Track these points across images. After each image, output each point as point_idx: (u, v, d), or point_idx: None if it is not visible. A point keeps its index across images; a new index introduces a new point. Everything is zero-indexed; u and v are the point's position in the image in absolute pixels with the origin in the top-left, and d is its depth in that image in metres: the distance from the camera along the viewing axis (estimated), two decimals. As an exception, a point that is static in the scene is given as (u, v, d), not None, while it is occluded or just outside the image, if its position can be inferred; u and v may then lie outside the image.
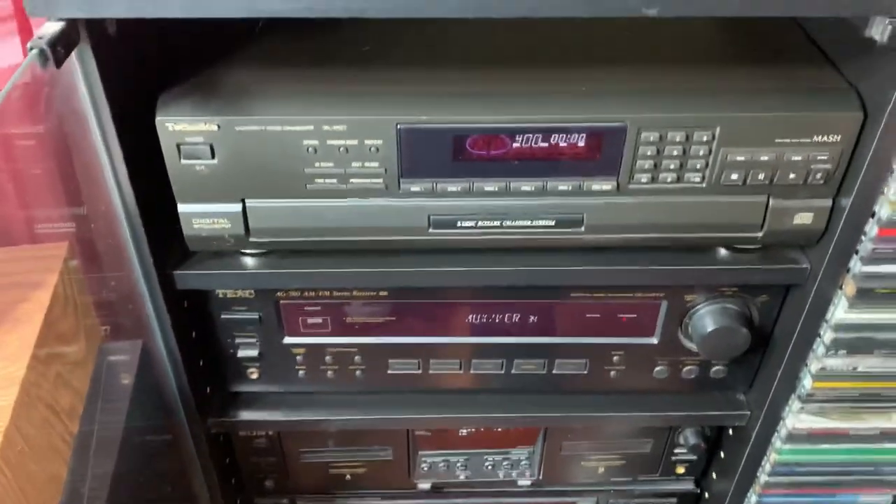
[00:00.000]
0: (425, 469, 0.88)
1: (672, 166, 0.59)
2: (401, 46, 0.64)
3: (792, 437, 0.76)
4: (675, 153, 0.59)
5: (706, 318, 0.70)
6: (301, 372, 0.76)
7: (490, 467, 0.88)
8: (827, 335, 0.67)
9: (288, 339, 0.73)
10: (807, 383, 0.71)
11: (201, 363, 0.75)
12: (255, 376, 0.76)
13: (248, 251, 0.65)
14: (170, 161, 0.58)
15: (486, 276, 0.66)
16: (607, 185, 0.60)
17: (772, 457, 0.78)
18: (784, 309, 0.71)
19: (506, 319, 0.73)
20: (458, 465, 0.88)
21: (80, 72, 0.51)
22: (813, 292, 0.66)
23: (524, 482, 0.89)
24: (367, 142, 0.57)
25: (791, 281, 0.67)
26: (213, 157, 0.57)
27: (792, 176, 0.60)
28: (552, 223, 0.62)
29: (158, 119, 0.56)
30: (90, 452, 0.65)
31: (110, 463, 0.66)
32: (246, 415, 0.78)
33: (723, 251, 0.67)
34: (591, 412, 0.78)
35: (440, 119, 0.57)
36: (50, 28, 0.47)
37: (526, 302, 0.72)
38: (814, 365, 0.70)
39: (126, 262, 0.63)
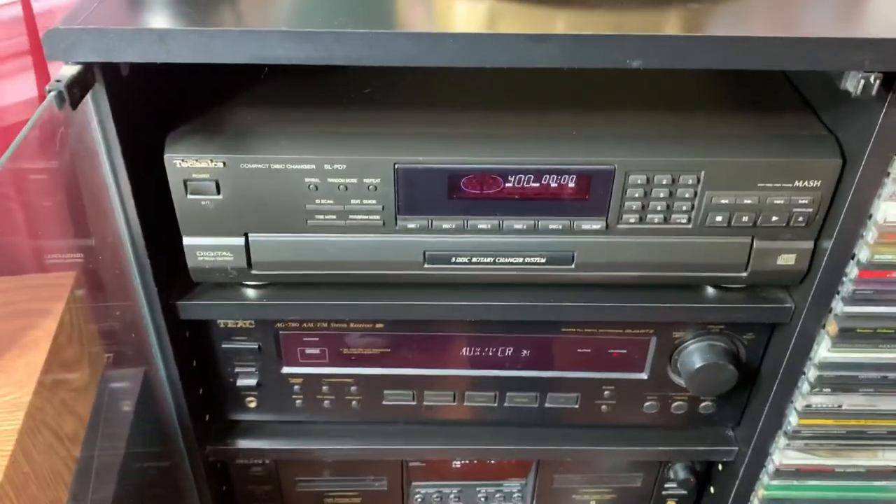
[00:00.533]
0: (419, 500, 0.89)
1: (659, 207, 0.62)
2: (400, 89, 0.67)
3: (779, 474, 0.77)
4: (661, 195, 0.61)
5: (694, 354, 0.72)
6: (298, 401, 0.77)
7: (483, 499, 0.89)
8: (811, 373, 0.69)
9: (286, 369, 0.75)
10: (793, 420, 0.73)
11: (201, 391, 0.77)
12: (253, 405, 0.78)
13: (249, 283, 0.68)
14: (177, 196, 0.60)
15: (480, 311, 0.68)
16: (596, 225, 0.63)
17: (760, 492, 0.80)
18: (770, 346, 0.73)
19: (499, 353, 0.75)
20: (452, 496, 0.89)
21: (94, 111, 0.54)
22: (797, 331, 0.68)
23: (516, 514, 0.90)
24: (366, 180, 0.59)
25: (776, 319, 0.69)
26: (218, 192, 0.60)
27: (775, 218, 0.62)
28: (543, 260, 0.64)
29: (167, 156, 0.58)
30: (91, 477, 0.66)
31: (110, 488, 0.67)
32: (243, 443, 0.79)
33: (710, 289, 0.69)
34: (583, 445, 0.80)
35: (436, 159, 0.59)
36: (67, 71, 0.49)
37: (519, 336, 0.74)
38: (799, 402, 0.72)
39: (131, 292, 0.66)
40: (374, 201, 0.61)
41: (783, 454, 0.75)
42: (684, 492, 0.88)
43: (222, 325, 0.71)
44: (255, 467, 0.84)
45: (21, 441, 0.55)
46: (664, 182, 0.60)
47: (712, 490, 0.87)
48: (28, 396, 0.58)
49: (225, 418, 0.79)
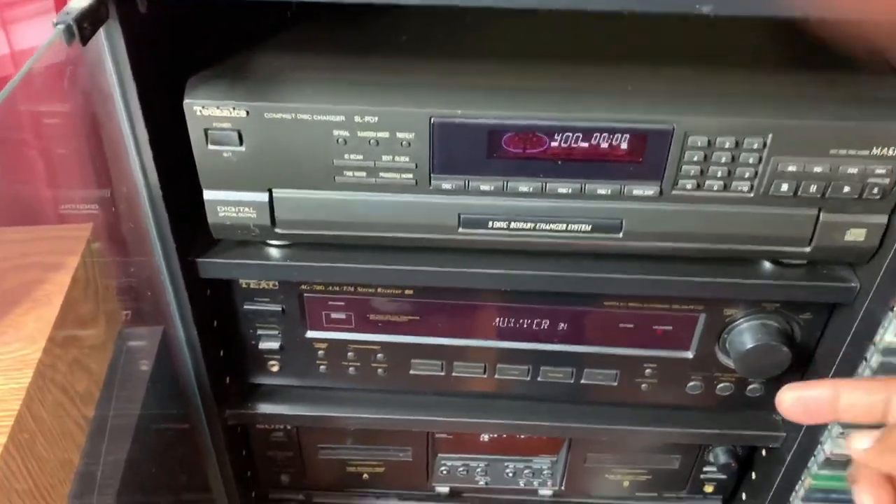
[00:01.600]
0: (444, 472, 0.86)
1: (719, 174, 0.56)
2: (438, 37, 0.61)
3: (829, 463, 0.72)
4: (723, 160, 0.56)
5: (746, 333, 0.67)
6: (322, 367, 0.74)
7: (511, 475, 0.85)
8: (874, 359, 0.64)
9: (310, 333, 0.71)
10: (849, 408, 0.68)
11: (221, 353, 0.73)
12: (275, 369, 0.74)
13: (273, 242, 0.64)
14: (197, 146, 0.56)
15: (516, 280, 0.64)
16: (649, 191, 0.58)
17: (807, 482, 0.75)
18: (828, 328, 0.67)
19: (534, 325, 0.70)
20: (478, 470, 0.85)
21: (108, 50, 0.50)
22: (861, 313, 0.62)
23: (545, 492, 0.86)
24: (399, 135, 0.55)
25: (838, 300, 0.64)
26: (241, 143, 0.56)
27: (846, 189, 0.56)
28: (588, 228, 0.59)
29: (186, 102, 0.54)
30: (104, 437, 0.63)
31: (124, 449, 0.64)
32: (264, 407, 0.76)
33: (767, 265, 0.64)
34: (619, 425, 0.76)
35: (476, 114, 0.54)
36: (77, 4, 0.45)
37: (556, 308, 0.69)
38: (858, 389, 0.66)
39: (148, 246, 0.62)
40: (406, 158, 0.56)
41: (836, 443, 0.70)
42: (724, 477, 0.84)
43: (244, 286, 0.68)
44: (276, 433, 0.82)
45: (28, 400, 0.52)
46: (727, 145, 0.55)
47: (753, 476, 0.83)
48: (38, 353, 0.55)
49: (246, 382, 0.76)
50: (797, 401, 0.41)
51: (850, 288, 0.62)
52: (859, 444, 0.39)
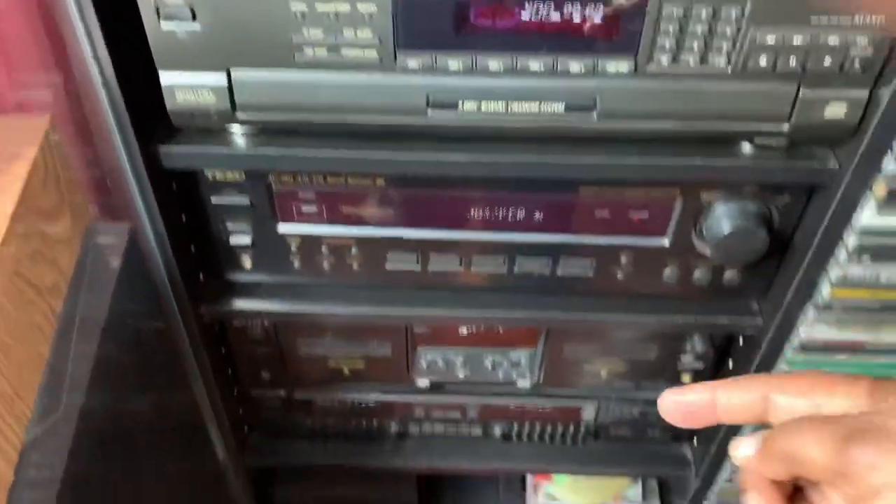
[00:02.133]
0: (424, 366, 0.86)
1: (696, 46, 0.54)
2: None
3: (805, 348, 0.73)
4: (699, 31, 0.53)
5: (723, 218, 0.66)
6: (296, 262, 0.73)
7: (490, 367, 0.86)
8: (851, 240, 0.63)
9: (282, 228, 0.70)
10: (825, 292, 0.68)
11: (192, 249, 0.72)
12: (248, 265, 0.74)
13: (236, 129, 0.62)
14: (149, 24, 0.53)
15: (490, 167, 0.62)
16: (624, 67, 0.55)
17: (782, 367, 0.76)
18: (807, 212, 0.66)
19: (510, 215, 0.69)
20: (458, 363, 0.86)
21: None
22: (839, 194, 0.61)
23: (524, 384, 0.87)
24: (360, 7, 0.52)
25: (817, 181, 0.63)
26: (194, 19, 0.53)
27: (827, 62, 0.54)
28: (562, 107, 0.57)
29: (133, -26, 0.51)
30: (73, 334, 0.63)
31: (93, 346, 0.64)
32: (240, 304, 0.76)
33: (746, 146, 0.62)
34: (596, 314, 0.75)
35: (441, -17, 0.52)
36: None
37: (532, 196, 0.68)
38: (834, 272, 0.66)
39: (107, 134, 0.60)
40: (369, 32, 0.53)
41: (812, 328, 0.71)
42: (700, 366, 0.84)
43: (210, 178, 0.66)
44: (254, 330, 0.81)
45: (-11, 289, 0.51)
46: (703, 15, 0.52)
47: (731, 364, 0.83)
48: (-3, 244, 0.53)
49: (220, 278, 0.75)
50: (675, 406, 0.39)
51: (829, 169, 0.61)
52: (742, 451, 0.38)
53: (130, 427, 0.74)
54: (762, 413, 0.37)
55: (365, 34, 0.53)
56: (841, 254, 0.65)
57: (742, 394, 0.38)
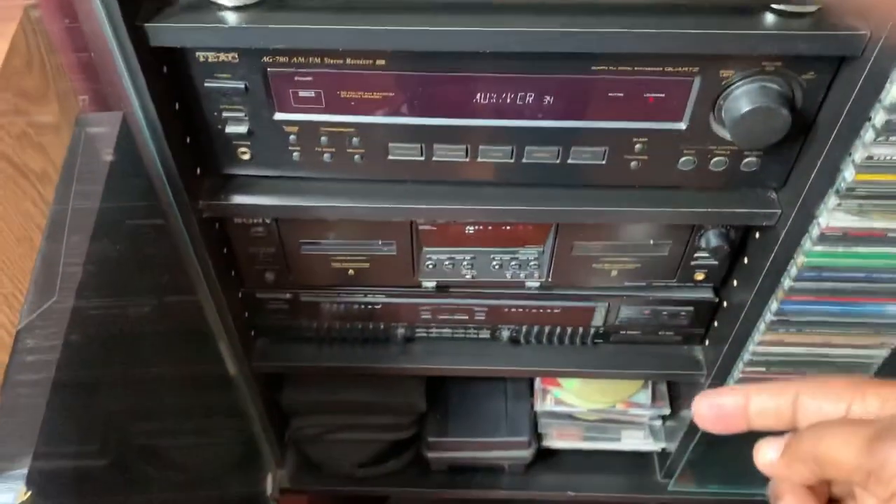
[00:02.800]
0: (430, 266, 0.84)
1: None
2: None
3: (824, 238, 0.70)
4: None
5: (743, 98, 0.62)
6: (295, 154, 0.70)
7: (497, 267, 0.84)
8: (878, 117, 0.60)
9: (279, 115, 0.67)
10: (848, 175, 0.64)
11: (188, 140, 0.70)
12: (246, 157, 0.71)
13: (227, 3, 0.58)
14: None
15: (498, 39, 0.59)
16: (640, -79, 0.51)
17: (799, 260, 0.73)
18: (832, 90, 0.63)
19: (518, 99, 0.66)
20: (464, 263, 0.84)
21: None
22: (868, 66, 0.58)
23: (532, 283, 0.85)
24: None
25: (846, 52, 0.59)
26: None
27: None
28: (573, -32, 0.53)
29: None
30: (65, 225, 0.61)
31: (86, 240, 0.62)
32: (239, 198, 0.73)
33: (770, 16, 0.58)
34: (608, 206, 0.73)
35: None
36: None
37: (542, 77, 0.64)
38: (859, 154, 0.63)
39: (91, 13, 0.57)
40: None
41: (832, 215, 0.68)
42: (715, 262, 0.82)
43: (202, 59, 0.63)
44: (256, 227, 0.79)
45: (-30, 167, 0.49)
46: None
47: (746, 261, 0.81)
48: (-25, 120, 0.51)
49: (218, 172, 0.73)
50: (710, 409, 0.39)
51: (860, 36, 0.57)
52: (765, 456, 0.37)
53: (131, 326, 0.73)
54: (792, 420, 0.37)
55: None
56: (867, 133, 0.61)
57: (773, 398, 0.37)
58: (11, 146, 0.55)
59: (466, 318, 0.91)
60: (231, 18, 0.59)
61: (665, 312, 0.88)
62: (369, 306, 0.90)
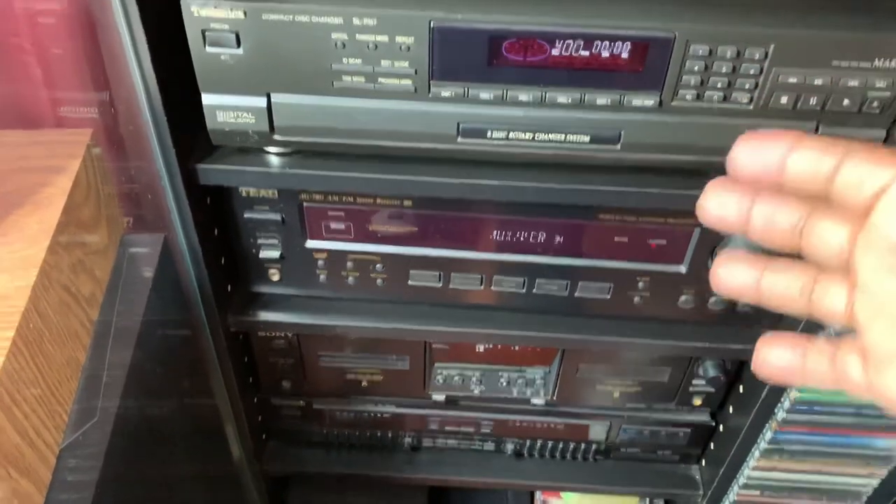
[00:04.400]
0: (440, 381, 0.88)
1: (720, 84, 0.56)
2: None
3: (815, 376, 0.74)
4: (723, 70, 0.55)
5: (740, 247, 0.67)
6: (322, 276, 0.75)
7: (505, 384, 0.88)
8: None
9: (310, 243, 0.72)
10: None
11: (223, 261, 0.75)
12: (276, 278, 0.76)
13: (272, 149, 0.64)
14: (194, 48, 0.56)
15: (514, 192, 0.64)
16: (649, 101, 0.57)
17: (792, 394, 0.77)
18: (821, 244, 0.68)
19: (531, 237, 0.71)
20: (473, 379, 0.88)
21: (103, -55, 0.49)
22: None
23: (538, 401, 0.89)
24: (399, 39, 0.54)
25: (832, 215, 0.64)
26: (238, 45, 0.55)
27: (846, 102, 0.56)
28: (587, 138, 0.60)
29: (184, 1, 0.53)
30: (109, 342, 0.65)
31: (128, 352, 0.66)
32: (265, 315, 0.78)
33: (763, 180, 0.64)
34: (611, 337, 0.77)
35: (476, 18, 0.54)
36: None
37: (553, 221, 0.70)
38: (846, 304, 0.68)
39: (148, 152, 0.62)
40: (406, 63, 0.56)
41: (822, 357, 0.72)
42: (712, 390, 0.86)
43: (244, 194, 0.68)
44: (278, 340, 0.83)
45: (34, 298, 0.53)
46: (728, 55, 0.54)
47: (741, 389, 0.85)
48: (42, 253, 0.56)
49: (248, 290, 0.78)
50: (751, 153, 0.34)
51: (845, 203, 0.63)
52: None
53: (158, 431, 0.76)
54: (825, 183, 0.32)
55: (402, 64, 0.56)
56: (854, 286, 0.66)
57: (819, 154, 0.32)
58: (67, 275, 0.59)
59: (473, 430, 0.94)
60: (275, 162, 0.64)
61: (663, 433, 0.92)
62: (379, 415, 0.93)
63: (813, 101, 0.56)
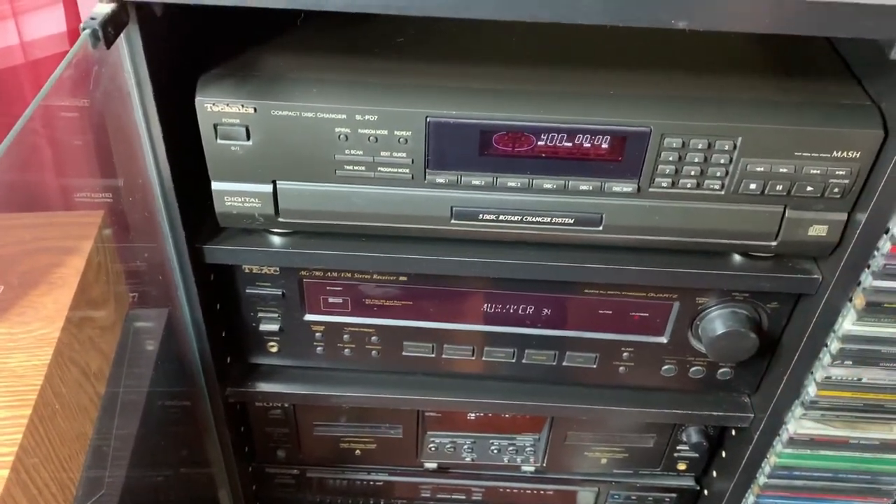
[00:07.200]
0: (433, 449, 0.90)
1: (693, 172, 0.61)
2: (434, 40, 0.65)
3: (793, 442, 0.77)
4: (696, 160, 0.60)
5: (716, 321, 0.72)
6: (319, 348, 0.78)
7: (496, 451, 0.90)
8: (834, 345, 0.69)
9: (309, 317, 0.76)
10: (811, 391, 0.73)
11: (223, 334, 0.78)
12: (274, 350, 0.79)
13: (275, 230, 0.68)
14: (206, 140, 0.60)
15: (504, 269, 0.68)
16: (627, 188, 0.62)
17: (772, 459, 0.80)
18: (793, 317, 0.72)
19: (520, 310, 0.75)
20: (465, 447, 0.90)
21: (127, 51, 0.53)
22: (823, 302, 0.67)
23: (528, 468, 0.91)
24: (397, 132, 0.59)
25: (802, 290, 0.69)
26: (248, 138, 0.59)
27: (809, 189, 0.61)
28: (571, 221, 0.64)
29: (198, 99, 0.58)
30: (115, 414, 0.67)
31: (133, 425, 0.68)
32: (263, 386, 0.80)
33: (737, 257, 0.69)
34: (598, 405, 0.80)
35: (468, 114, 0.59)
36: (101, 9, 0.49)
37: (541, 295, 0.74)
38: (819, 373, 0.71)
39: (158, 233, 0.66)
40: (403, 154, 0.60)
41: (799, 423, 0.76)
42: (696, 455, 0.89)
43: (247, 271, 0.72)
44: (274, 410, 0.86)
45: (49, 376, 0.56)
46: (700, 147, 0.59)
47: (724, 454, 0.88)
48: (57, 332, 0.58)
49: (246, 361, 0.80)
50: None
51: (813, 280, 0.67)
52: None
53: (157, 501, 0.78)
54: None
55: (400, 155, 0.60)
56: (825, 357, 0.70)
57: None
58: (79, 352, 0.62)
59: (464, 497, 0.96)
60: (277, 242, 0.68)
61: (650, 498, 0.94)
62: (372, 483, 0.95)
63: (779, 187, 0.61)
